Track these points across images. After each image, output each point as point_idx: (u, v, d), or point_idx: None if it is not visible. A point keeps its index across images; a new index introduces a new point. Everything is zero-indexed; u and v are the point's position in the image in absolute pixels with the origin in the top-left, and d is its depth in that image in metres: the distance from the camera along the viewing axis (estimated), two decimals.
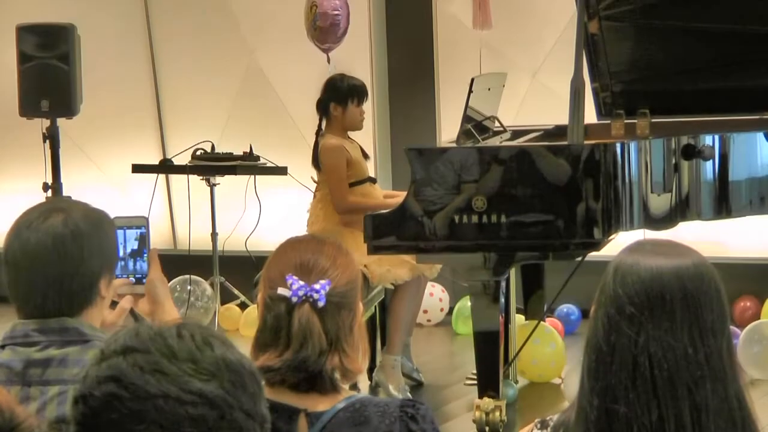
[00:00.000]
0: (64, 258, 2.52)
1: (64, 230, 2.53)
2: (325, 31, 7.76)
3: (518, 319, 6.40)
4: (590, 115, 5.90)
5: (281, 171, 7.46)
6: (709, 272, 2.07)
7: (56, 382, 2.49)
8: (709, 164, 5.51)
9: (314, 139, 6.33)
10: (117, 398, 1.52)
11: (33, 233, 2.54)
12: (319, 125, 6.31)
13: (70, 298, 2.54)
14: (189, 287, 7.79)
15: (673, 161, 5.44)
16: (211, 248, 7.75)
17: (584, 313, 7.41)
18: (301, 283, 2.28)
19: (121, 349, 1.56)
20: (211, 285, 7.81)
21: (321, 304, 2.28)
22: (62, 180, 7.69)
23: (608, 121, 6.16)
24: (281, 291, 2.29)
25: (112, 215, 2.68)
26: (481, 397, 5.22)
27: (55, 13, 8.11)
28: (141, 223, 2.90)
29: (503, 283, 5.24)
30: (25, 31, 7.60)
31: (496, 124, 6.17)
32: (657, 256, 2.07)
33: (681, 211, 5.48)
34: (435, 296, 7.84)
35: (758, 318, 7.06)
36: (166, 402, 1.51)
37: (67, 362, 2.50)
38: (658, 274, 2.04)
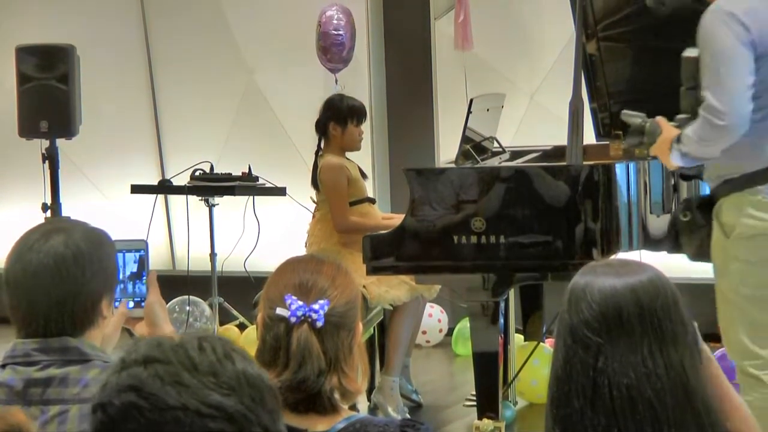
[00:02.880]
0: (66, 279, 2.52)
1: (65, 251, 2.53)
2: (326, 50, 7.80)
3: (517, 339, 6.39)
4: (589, 136, 5.90)
5: (280, 191, 7.45)
6: (664, 284, 2.07)
7: (57, 401, 2.49)
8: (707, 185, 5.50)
9: (313, 160, 6.33)
10: (136, 408, 1.52)
11: (34, 255, 2.54)
12: (319, 145, 6.31)
13: (73, 319, 2.54)
14: (188, 308, 7.78)
15: (672, 182, 5.44)
16: (209, 269, 7.74)
17: None
18: (300, 303, 2.28)
19: (142, 358, 1.55)
20: (210, 306, 7.79)
21: (319, 324, 2.28)
22: (61, 200, 7.69)
23: (607, 142, 6.16)
24: (280, 311, 2.29)
25: (111, 236, 2.68)
26: (480, 418, 5.21)
27: (54, 34, 8.12)
28: (140, 247, 2.90)
29: (502, 304, 5.24)
30: (24, 52, 7.61)
31: (495, 144, 6.17)
32: (608, 276, 2.06)
33: None
34: (434, 317, 7.83)
35: None
36: (185, 414, 1.51)
37: (67, 381, 2.50)
38: (612, 293, 2.03)
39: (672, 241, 4.48)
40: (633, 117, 4.61)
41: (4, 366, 2.55)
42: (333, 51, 7.80)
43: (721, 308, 4.33)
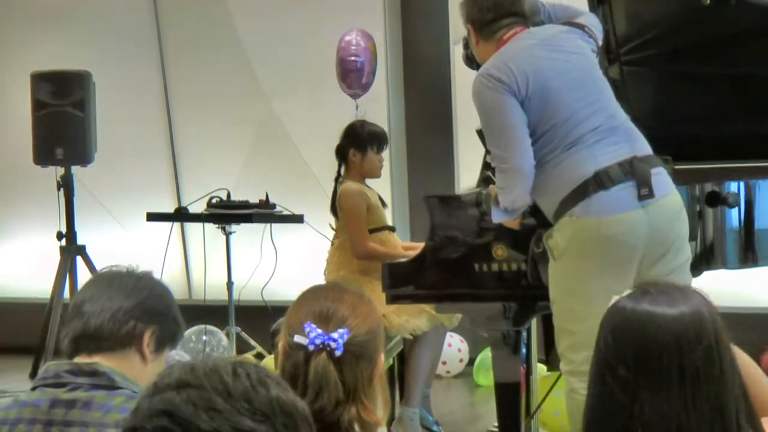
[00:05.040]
0: (120, 288, 2.65)
1: (129, 275, 2.69)
2: (345, 76, 7.75)
3: (540, 369, 6.31)
4: None
5: (297, 219, 7.42)
6: (707, 323, 1.98)
7: (78, 423, 2.50)
8: (733, 212, 5.43)
9: (333, 186, 6.28)
10: None
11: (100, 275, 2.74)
12: (339, 171, 6.26)
13: (113, 320, 2.60)
14: (204, 337, 7.74)
15: (698, 208, 5.36)
16: (226, 298, 7.69)
17: None
18: (319, 331, 2.26)
19: (176, 383, 1.54)
20: (227, 335, 7.75)
21: (338, 353, 2.25)
22: (76, 228, 7.66)
23: None
24: (298, 339, 2.27)
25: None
26: None
27: (70, 60, 8.10)
28: None
29: (524, 333, 5.16)
30: (39, 79, 7.60)
31: None
32: (651, 306, 1.98)
33: (706, 259, 5.39)
34: (453, 347, 7.77)
35: None
36: None
37: (91, 405, 2.52)
38: (654, 330, 1.95)
39: (532, 271, 4.75)
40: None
41: (34, 389, 2.60)
42: (351, 77, 7.76)
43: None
